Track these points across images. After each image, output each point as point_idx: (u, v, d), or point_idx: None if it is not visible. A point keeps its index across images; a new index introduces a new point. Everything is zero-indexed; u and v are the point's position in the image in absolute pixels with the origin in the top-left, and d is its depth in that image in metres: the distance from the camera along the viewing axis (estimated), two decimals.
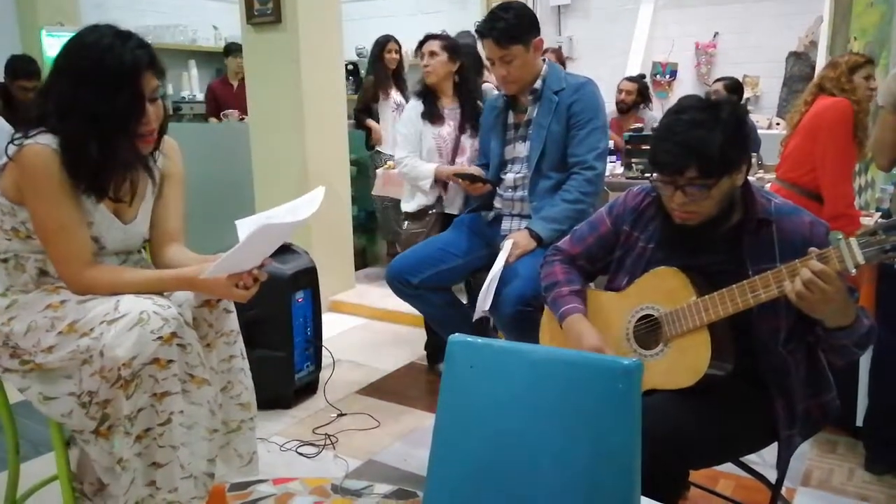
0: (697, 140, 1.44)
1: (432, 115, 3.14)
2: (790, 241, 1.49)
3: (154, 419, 1.54)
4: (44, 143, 1.56)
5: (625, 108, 5.18)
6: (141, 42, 1.62)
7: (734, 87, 4.99)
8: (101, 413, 1.53)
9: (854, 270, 1.34)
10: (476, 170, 2.55)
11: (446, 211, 3.06)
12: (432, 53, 3.11)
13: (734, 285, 1.47)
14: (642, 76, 5.78)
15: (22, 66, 4.31)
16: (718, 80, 5.20)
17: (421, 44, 3.22)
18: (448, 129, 3.15)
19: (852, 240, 1.33)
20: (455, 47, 3.16)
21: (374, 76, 4.64)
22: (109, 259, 1.72)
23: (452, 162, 3.10)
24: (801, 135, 2.87)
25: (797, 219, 1.52)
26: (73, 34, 1.63)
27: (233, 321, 1.77)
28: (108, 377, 1.50)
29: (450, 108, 3.17)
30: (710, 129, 1.44)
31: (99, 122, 1.56)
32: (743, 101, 5.32)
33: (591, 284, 1.89)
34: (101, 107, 1.55)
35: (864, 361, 2.35)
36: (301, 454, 2.51)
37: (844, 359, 1.53)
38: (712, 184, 1.46)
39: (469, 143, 3.11)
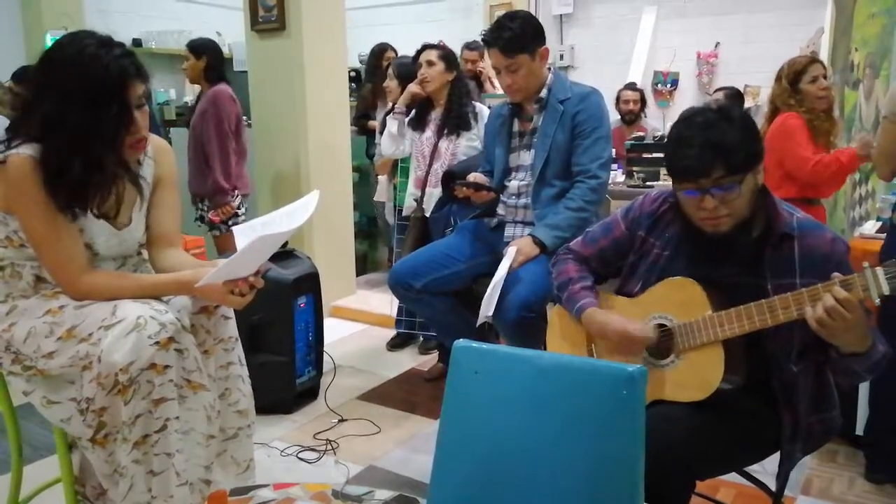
0: (718, 137, 1.43)
1: (418, 122, 3.25)
2: (811, 257, 1.48)
3: (151, 425, 1.53)
4: (26, 153, 1.54)
5: (632, 119, 5.19)
6: (125, 50, 1.58)
7: (735, 96, 5.02)
8: (97, 421, 1.52)
9: (878, 301, 1.31)
10: (481, 177, 2.56)
11: (425, 214, 3.17)
12: (430, 63, 3.15)
13: (752, 304, 1.45)
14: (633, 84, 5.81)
15: (26, 74, 4.36)
16: (719, 89, 5.23)
17: (418, 53, 3.25)
18: (428, 133, 3.23)
19: (879, 269, 1.30)
20: (451, 57, 3.20)
21: (373, 84, 4.65)
22: (106, 264, 1.71)
23: (430, 166, 3.17)
24: (766, 152, 2.94)
25: (819, 235, 1.50)
26: (53, 43, 1.59)
27: (231, 328, 1.76)
28: (105, 384, 1.49)
29: (436, 114, 3.24)
30: (727, 126, 1.45)
31: (86, 137, 1.54)
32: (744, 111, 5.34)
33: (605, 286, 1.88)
34: (89, 121, 1.52)
35: None
36: (302, 459, 2.51)
37: (853, 381, 1.53)
38: (739, 180, 1.44)
39: (446, 148, 3.15)
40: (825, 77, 2.97)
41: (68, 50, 1.55)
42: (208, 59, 3.80)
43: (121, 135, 1.58)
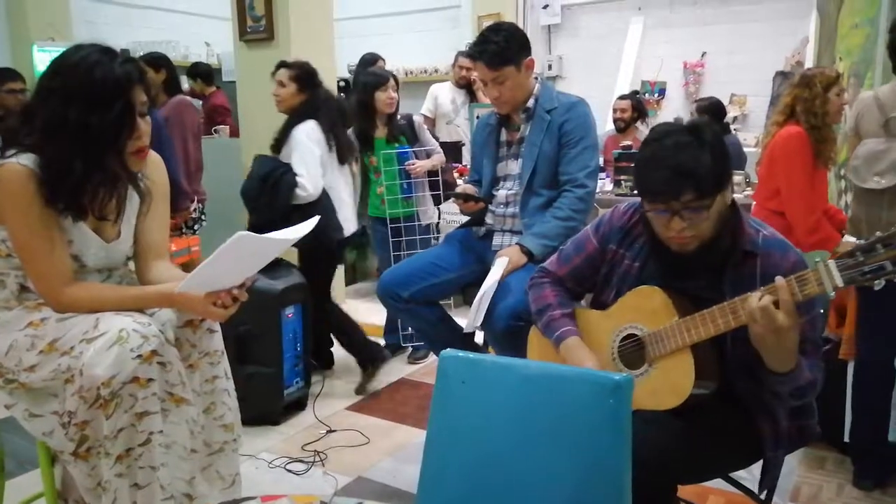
0: (689, 162, 1.44)
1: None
2: (772, 276, 1.46)
3: (134, 439, 1.51)
4: (21, 162, 1.54)
5: (623, 126, 5.22)
6: (128, 57, 1.61)
7: (714, 108, 5.01)
8: (79, 435, 1.50)
9: (833, 294, 1.34)
10: (470, 188, 2.57)
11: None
12: (280, 83, 3.17)
13: (715, 307, 1.46)
14: (635, 92, 5.83)
15: (2, 73, 4.35)
16: (697, 101, 5.25)
17: (276, 69, 3.23)
18: None
19: (831, 262, 1.32)
20: (303, 76, 3.17)
21: None
22: (91, 276, 1.70)
23: None
24: (765, 163, 2.91)
25: (782, 256, 1.50)
26: (58, 55, 1.61)
27: (217, 341, 1.74)
28: (87, 397, 1.48)
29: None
30: (699, 150, 1.45)
31: (88, 138, 1.54)
32: (729, 120, 5.36)
33: (582, 301, 1.89)
34: (92, 122, 1.53)
35: (851, 377, 2.37)
36: (290, 471, 2.49)
37: (781, 405, 1.53)
38: (709, 204, 1.45)
39: None
40: (846, 92, 2.96)
41: (72, 58, 1.57)
42: (167, 73, 3.87)
43: (122, 137, 1.58)
